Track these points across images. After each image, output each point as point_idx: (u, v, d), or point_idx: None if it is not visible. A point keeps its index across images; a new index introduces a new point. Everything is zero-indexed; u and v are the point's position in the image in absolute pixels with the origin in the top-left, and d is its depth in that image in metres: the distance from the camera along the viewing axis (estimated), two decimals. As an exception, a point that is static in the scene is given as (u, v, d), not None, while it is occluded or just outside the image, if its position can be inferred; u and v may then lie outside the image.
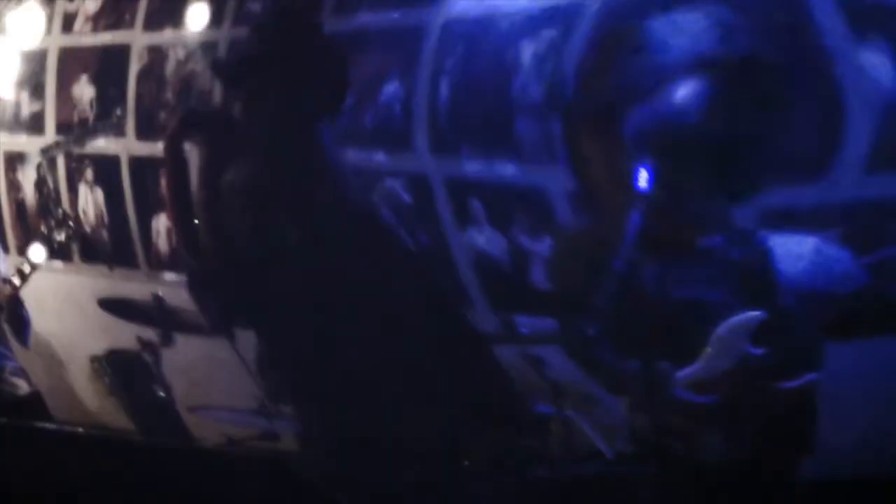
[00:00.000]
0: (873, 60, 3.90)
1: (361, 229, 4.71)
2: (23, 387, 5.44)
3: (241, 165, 4.62)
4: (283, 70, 4.58)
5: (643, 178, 3.76)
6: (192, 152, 4.88)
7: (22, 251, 5.75)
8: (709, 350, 3.73)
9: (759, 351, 3.71)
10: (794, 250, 3.91)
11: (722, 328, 3.72)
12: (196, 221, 4.71)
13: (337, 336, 4.55)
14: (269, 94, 4.61)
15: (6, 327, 5.35)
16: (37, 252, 5.31)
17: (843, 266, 3.92)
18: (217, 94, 5.24)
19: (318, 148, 4.63)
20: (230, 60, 5.02)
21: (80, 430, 5.14)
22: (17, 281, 5.26)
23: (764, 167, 3.97)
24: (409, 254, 4.83)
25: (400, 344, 4.54)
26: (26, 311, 5.33)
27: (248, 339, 4.90)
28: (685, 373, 3.74)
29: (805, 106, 3.97)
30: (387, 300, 4.55)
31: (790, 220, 4.02)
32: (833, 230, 3.99)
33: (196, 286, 4.98)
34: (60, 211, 5.54)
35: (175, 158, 4.80)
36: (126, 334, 5.51)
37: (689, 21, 4.07)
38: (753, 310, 3.72)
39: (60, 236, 5.37)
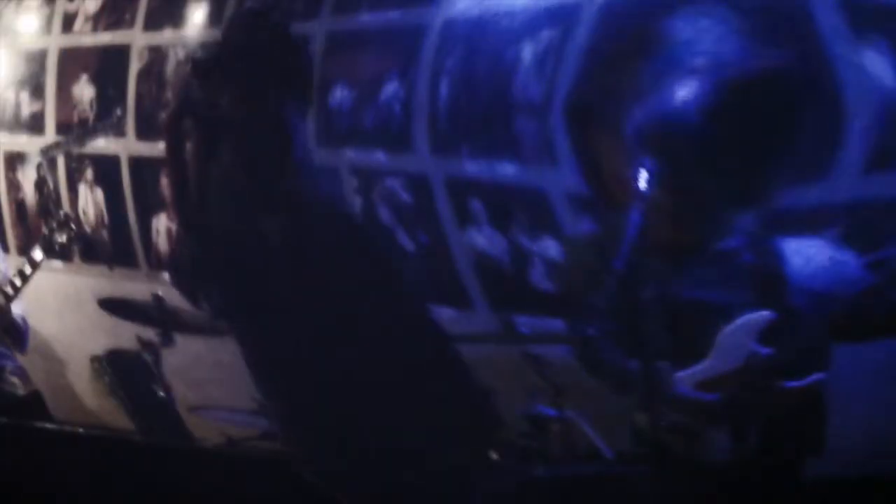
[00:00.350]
0: (873, 60, 3.90)
1: (334, 226, 4.70)
2: (23, 387, 5.43)
3: (222, 161, 4.63)
4: (253, 67, 4.57)
5: (645, 180, 3.75)
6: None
7: (22, 251, 5.75)
8: (716, 349, 3.73)
9: (766, 350, 3.71)
10: (803, 252, 3.91)
11: (729, 327, 3.73)
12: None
13: (322, 336, 4.54)
14: (243, 91, 4.60)
15: (4, 336, 5.34)
16: (37, 253, 5.31)
17: (851, 268, 3.93)
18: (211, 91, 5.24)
19: (291, 145, 4.62)
20: (206, 59, 5.01)
21: (80, 430, 5.14)
22: (18, 282, 5.25)
23: (766, 168, 3.97)
24: (378, 247, 4.83)
25: (381, 343, 4.53)
26: (23, 319, 5.31)
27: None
28: (691, 371, 3.74)
29: (806, 106, 3.97)
30: (357, 296, 4.54)
31: (791, 221, 4.02)
32: (833, 230, 4.00)
33: (178, 279, 5.00)
34: (62, 213, 5.53)
35: (174, 150, 4.80)
36: (126, 334, 5.50)
37: (691, 21, 4.07)
38: (762, 310, 3.72)
39: (62, 238, 5.36)
